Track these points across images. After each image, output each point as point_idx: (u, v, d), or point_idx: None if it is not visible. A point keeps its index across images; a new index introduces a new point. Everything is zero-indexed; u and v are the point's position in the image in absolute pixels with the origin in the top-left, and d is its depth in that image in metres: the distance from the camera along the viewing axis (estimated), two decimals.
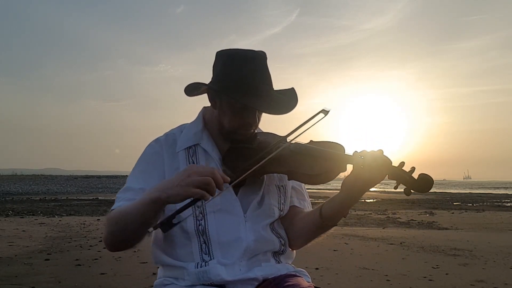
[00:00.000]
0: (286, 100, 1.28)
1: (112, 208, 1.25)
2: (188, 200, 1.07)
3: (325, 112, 1.19)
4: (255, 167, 1.16)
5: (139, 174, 1.29)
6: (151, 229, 1.09)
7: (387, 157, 1.15)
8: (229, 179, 1.10)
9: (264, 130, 1.40)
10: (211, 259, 1.21)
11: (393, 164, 1.16)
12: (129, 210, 1.16)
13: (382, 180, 1.17)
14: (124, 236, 1.19)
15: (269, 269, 1.26)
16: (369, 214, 12.43)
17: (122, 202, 1.23)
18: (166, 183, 1.10)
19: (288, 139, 1.24)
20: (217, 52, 1.28)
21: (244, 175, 1.15)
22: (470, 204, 18.64)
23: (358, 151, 1.18)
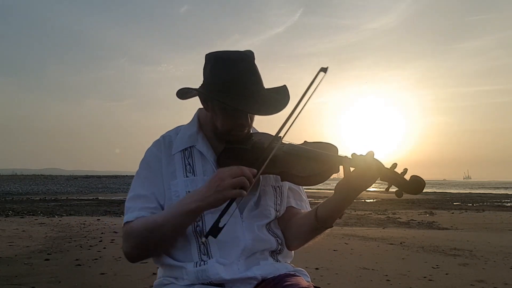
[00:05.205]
0: (278, 99, 1.27)
1: (126, 220, 1.24)
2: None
3: (324, 69, 1.20)
4: (267, 161, 1.18)
5: (144, 180, 1.29)
6: (203, 239, 1.14)
7: (377, 159, 1.14)
8: (255, 171, 1.15)
9: (263, 126, 1.40)
10: (209, 259, 1.21)
11: (384, 166, 1.15)
12: (161, 221, 1.18)
13: (374, 182, 1.16)
14: (154, 247, 1.23)
15: (268, 268, 1.26)
16: (369, 214, 12.43)
17: (137, 212, 1.23)
18: (201, 192, 1.15)
19: (283, 132, 1.23)
20: (206, 55, 1.28)
21: (262, 168, 1.18)
22: (470, 204, 18.64)
23: (350, 154, 1.18)
